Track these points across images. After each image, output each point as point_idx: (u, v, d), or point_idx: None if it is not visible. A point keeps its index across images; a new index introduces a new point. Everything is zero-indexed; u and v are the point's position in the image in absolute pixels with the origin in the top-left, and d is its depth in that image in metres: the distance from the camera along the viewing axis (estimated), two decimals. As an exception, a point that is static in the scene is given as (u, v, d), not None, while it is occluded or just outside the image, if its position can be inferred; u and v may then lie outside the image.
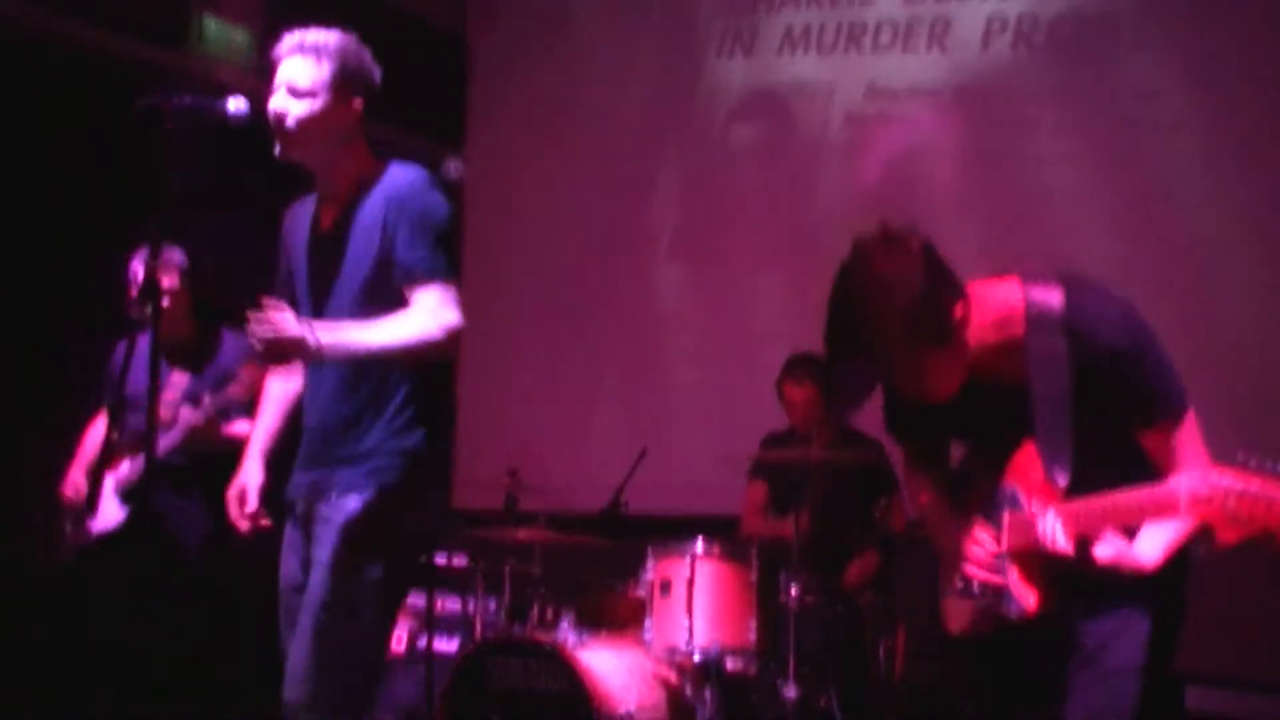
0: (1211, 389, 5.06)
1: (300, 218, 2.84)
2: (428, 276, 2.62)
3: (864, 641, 4.63)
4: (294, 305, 2.75)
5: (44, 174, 4.95)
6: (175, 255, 4.24)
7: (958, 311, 2.16)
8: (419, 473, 2.68)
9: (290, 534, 2.78)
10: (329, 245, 2.73)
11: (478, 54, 7.20)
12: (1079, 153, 5.68)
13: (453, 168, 6.91)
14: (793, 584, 4.21)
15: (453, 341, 2.62)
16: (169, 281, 4.19)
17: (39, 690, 4.34)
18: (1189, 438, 2.29)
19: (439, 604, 4.85)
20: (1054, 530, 2.19)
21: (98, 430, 4.41)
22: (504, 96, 7.07)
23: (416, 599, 4.96)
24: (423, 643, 4.75)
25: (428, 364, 2.68)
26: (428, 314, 2.59)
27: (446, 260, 2.65)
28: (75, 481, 4.31)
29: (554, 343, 6.77)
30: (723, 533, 4.70)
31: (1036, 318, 2.25)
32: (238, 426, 4.13)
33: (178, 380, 4.32)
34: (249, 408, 4.16)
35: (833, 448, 4.72)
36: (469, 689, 4.22)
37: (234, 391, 4.07)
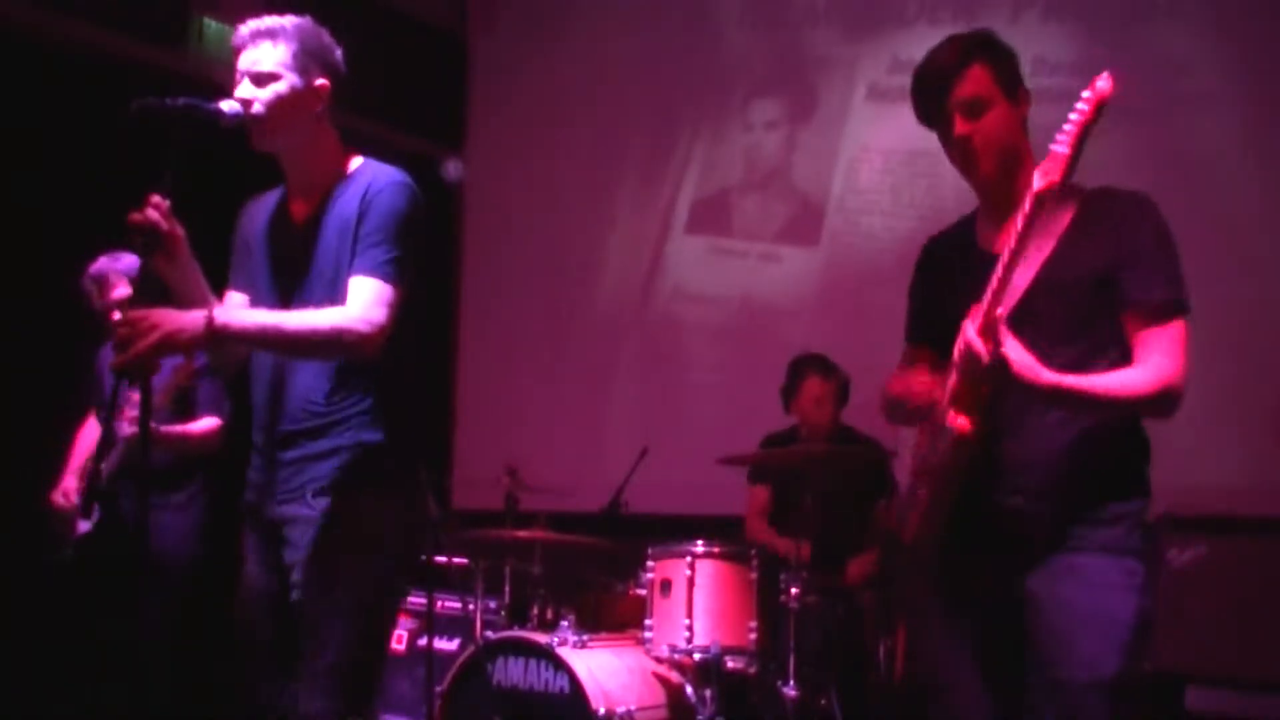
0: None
1: (261, 212, 2.77)
2: (371, 270, 2.53)
3: (864, 641, 4.63)
4: (254, 301, 2.69)
5: (43, 174, 4.96)
6: (123, 263, 4.20)
7: (1024, 97, 2.43)
8: (390, 469, 2.62)
9: (252, 539, 2.68)
10: (302, 239, 2.65)
11: (478, 54, 7.20)
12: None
13: (453, 168, 6.92)
14: (793, 584, 4.20)
15: (374, 341, 2.49)
16: (120, 292, 4.15)
17: (34, 685, 4.40)
18: (1165, 343, 2.31)
19: (439, 604, 4.84)
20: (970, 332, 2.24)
21: (89, 432, 4.42)
22: (504, 96, 7.07)
23: (416, 599, 4.96)
24: (423, 643, 4.74)
25: (363, 360, 2.54)
26: (356, 307, 2.50)
27: (398, 261, 2.55)
28: (66, 486, 4.27)
29: (554, 342, 6.77)
30: (723, 533, 4.70)
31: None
32: (201, 424, 4.17)
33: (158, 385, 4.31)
34: (181, 408, 4.17)
35: (832, 446, 4.72)
36: (469, 689, 4.22)
37: (157, 400, 4.08)
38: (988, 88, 2.40)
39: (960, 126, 2.39)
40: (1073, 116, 2.12)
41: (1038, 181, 2.14)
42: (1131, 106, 5.39)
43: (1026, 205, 2.16)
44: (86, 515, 4.16)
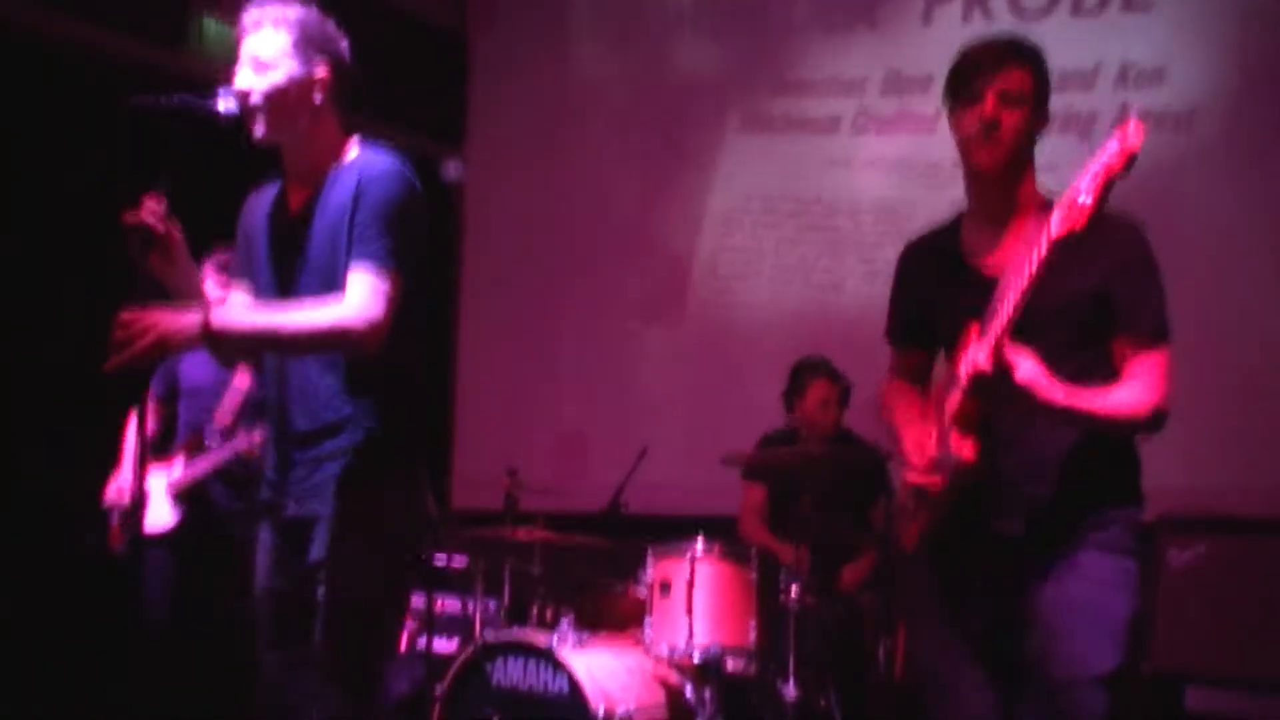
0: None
1: (261, 204, 2.76)
2: (366, 262, 2.50)
3: (864, 641, 4.63)
4: (255, 293, 2.70)
5: (43, 174, 4.95)
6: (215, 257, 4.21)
7: (1045, 118, 2.46)
8: (396, 465, 2.62)
9: (266, 537, 2.69)
10: (296, 228, 2.65)
11: (478, 54, 7.20)
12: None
13: (453, 168, 6.91)
14: (793, 584, 4.20)
15: (373, 337, 2.48)
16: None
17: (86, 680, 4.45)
18: (1154, 367, 2.34)
19: (439, 604, 4.84)
20: (976, 354, 2.22)
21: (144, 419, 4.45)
22: (504, 96, 7.07)
23: (416, 599, 4.97)
24: (423, 643, 4.74)
25: (361, 356, 2.54)
26: (353, 303, 2.49)
27: (393, 251, 2.51)
28: (119, 481, 4.32)
29: (554, 342, 6.77)
30: (723, 533, 4.70)
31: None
32: None
33: (239, 383, 4.31)
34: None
35: (830, 448, 4.72)
36: (469, 689, 4.22)
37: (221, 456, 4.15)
38: (1028, 89, 2.43)
39: (991, 106, 2.40)
40: (1096, 168, 2.03)
41: (1057, 227, 2.06)
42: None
43: (1044, 249, 2.11)
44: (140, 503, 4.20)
